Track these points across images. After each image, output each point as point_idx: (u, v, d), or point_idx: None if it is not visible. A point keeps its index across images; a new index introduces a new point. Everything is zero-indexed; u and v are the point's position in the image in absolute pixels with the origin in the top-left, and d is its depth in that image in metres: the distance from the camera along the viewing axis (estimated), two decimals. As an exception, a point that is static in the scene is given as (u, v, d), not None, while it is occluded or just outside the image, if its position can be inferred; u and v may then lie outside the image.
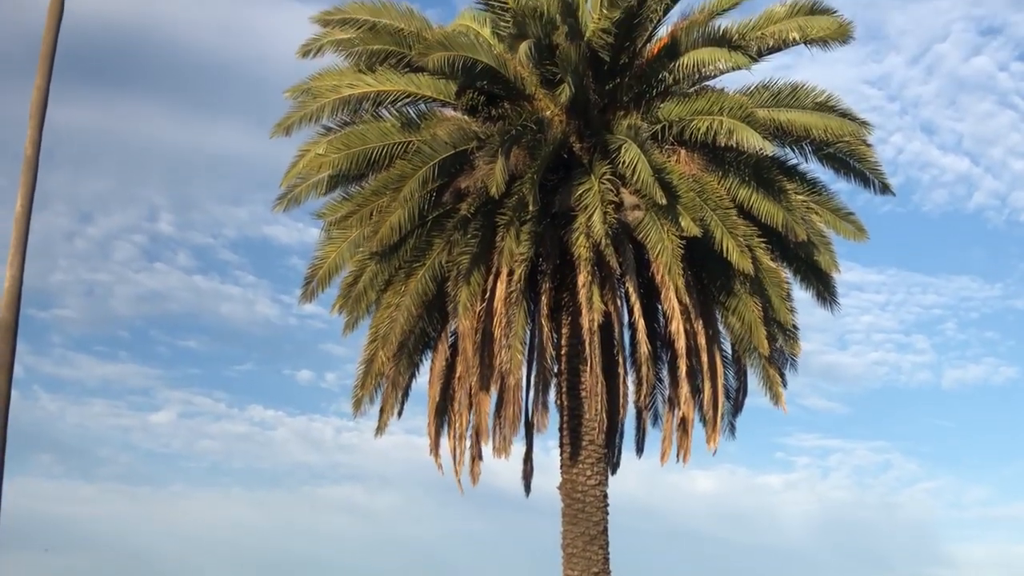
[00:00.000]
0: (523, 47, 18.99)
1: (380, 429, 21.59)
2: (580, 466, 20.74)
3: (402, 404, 21.77)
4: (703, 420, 21.25)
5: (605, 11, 19.73)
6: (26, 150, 17.61)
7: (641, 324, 19.96)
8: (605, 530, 20.83)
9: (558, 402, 21.03)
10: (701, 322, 20.40)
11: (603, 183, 19.43)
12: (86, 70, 53.57)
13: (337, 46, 21.01)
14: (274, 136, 20.88)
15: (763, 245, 20.21)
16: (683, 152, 20.37)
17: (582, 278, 19.56)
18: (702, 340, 20.38)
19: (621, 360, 20.45)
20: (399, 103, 20.78)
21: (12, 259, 16.99)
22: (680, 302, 19.60)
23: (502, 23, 20.68)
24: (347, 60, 21.10)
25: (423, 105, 20.99)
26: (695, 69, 20.16)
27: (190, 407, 56.28)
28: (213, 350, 58.83)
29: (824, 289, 22.08)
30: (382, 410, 21.46)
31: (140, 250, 59.04)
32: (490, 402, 20.58)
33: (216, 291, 60.11)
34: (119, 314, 58.33)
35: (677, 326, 19.78)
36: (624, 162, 19.25)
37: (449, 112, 21.01)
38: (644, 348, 19.94)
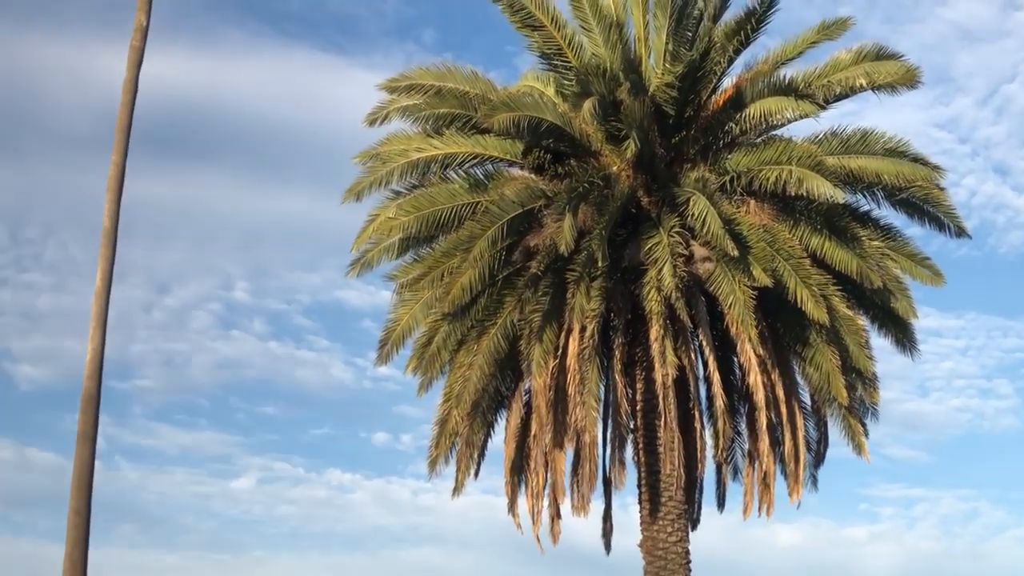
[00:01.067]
0: (587, 104, 19.08)
1: (457, 489, 21.55)
2: (660, 523, 20.49)
3: (478, 464, 21.73)
4: (784, 473, 20.93)
5: (668, 66, 19.78)
6: (104, 223, 18.02)
7: (716, 377, 19.77)
8: (688, 587, 20.53)
9: (635, 458, 20.85)
10: (778, 373, 20.18)
11: (672, 236, 19.37)
12: (161, 145, 54.76)
13: (404, 112, 21.31)
14: (345, 201, 21.17)
15: (838, 293, 19.97)
16: (752, 202, 20.26)
17: (654, 332, 19.46)
18: (780, 392, 20.14)
19: (697, 414, 20.26)
20: (466, 165, 20.97)
21: (93, 332, 17.34)
22: (756, 354, 19.41)
23: (565, 82, 20.83)
24: (414, 125, 21.38)
25: (490, 166, 21.17)
26: (762, 119, 20.10)
27: (269, 472, 56.64)
28: (290, 415, 59.28)
29: (902, 336, 21.73)
30: (458, 470, 21.43)
31: (216, 318, 59.86)
32: (566, 460, 20.49)
33: (291, 356, 60.67)
34: (198, 382, 59.07)
35: (754, 378, 19.57)
36: (693, 214, 19.20)
37: (516, 172, 21.14)
38: (720, 401, 19.73)
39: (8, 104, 58.41)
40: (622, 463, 20.37)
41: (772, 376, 20.07)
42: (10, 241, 58.14)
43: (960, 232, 21.36)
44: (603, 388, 20.58)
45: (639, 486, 20.81)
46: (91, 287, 17.87)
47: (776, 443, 20.79)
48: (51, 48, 57.45)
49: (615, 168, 20.38)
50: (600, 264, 19.14)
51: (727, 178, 20.18)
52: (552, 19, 20.77)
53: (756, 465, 20.71)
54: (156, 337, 59.54)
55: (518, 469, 21.28)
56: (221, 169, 63.68)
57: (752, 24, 19.99)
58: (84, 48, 55.25)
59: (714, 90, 20.70)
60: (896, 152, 20.63)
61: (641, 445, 20.71)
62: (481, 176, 21.01)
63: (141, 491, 54.48)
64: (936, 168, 20.81)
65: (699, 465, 20.36)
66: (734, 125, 20.34)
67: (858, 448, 21.43)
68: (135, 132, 18.79)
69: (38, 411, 55.32)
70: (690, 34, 20.19)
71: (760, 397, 19.68)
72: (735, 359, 20.79)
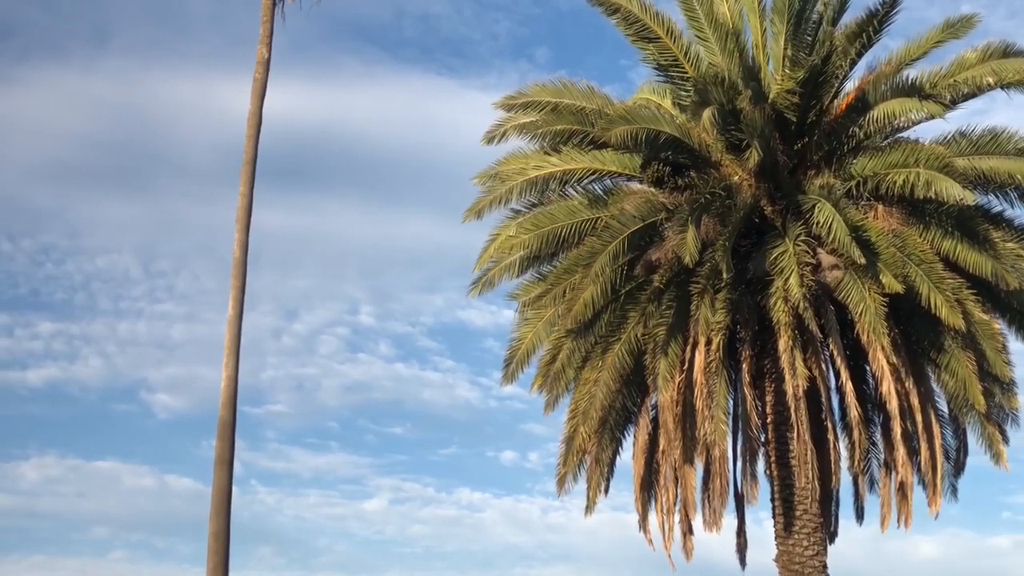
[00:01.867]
0: (706, 114, 18.87)
1: (588, 507, 21.44)
2: (795, 536, 20.10)
3: (607, 480, 21.58)
4: (922, 483, 20.38)
5: (788, 72, 19.47)
6: (234, 253, 18.39)
7: (849, 387, 19.35)
8: (827, 602, 20.10)
9: (767, 472, 20.51)
10: (912, 381, 19.67)
11: (798, 245, 19.03)
12: (285, 174, 55.83)
13: (521, 130, 21.34)
14: (465, 221, 21.26)
15: (972, 297, 19.41)
16: (880, 207, 19.82)
17: (783, 343, 19.12)
18: (915, 400, 19.63)
19: (830, 425, 19.85)
20: (585, 180, 20.91)
21: (227, 360, 17.69)
22: (888, 362, 18.96)
23: (683, 92, 20.64)
24: (531, 142, 21.40)
25: (609, 181, 21.07)
26: (886, 122, 19.65)
27: (400, 493, 57.15)
28: (418, 436, 59.78)
29: (1041, 338, 21.02)
30: (588, 488, 21.32)
31: (344, 343, 60.71)
32: (696, 475, 20.25)
33: (417, 378, 61.22)
34: (327, 406, 59.94)
35: (888, 387, 19.11)
36: (819, 222, 18.84)
37: (635, 185, 21.00)
38: (854, 412, 19.30)
39: (138, 141, 60.18)
40: (754, 477, 20.06)
41: (906, 384, 19.57)
42: (144, 274, 59.78)
43: (1099, 230, 20.61)
44: (731, 401, 20.31)
45: (772, 500, 20.45)
46: (223, 316, 18.25)
47: (913, 452, 20.25)
48: (176, 85, 59.06)
49: (737, 178, 20.11)
50: (725, 275, 18.88)
51: (853, 183, 19.77)
52: (667, 30, 20.62)
53: (893, 476, 20.21)
54: (286, 363, 60.63)
55: (648, 485, 21.08)
56: (343, 195, 64.69)
57: (873, 25, 19.55)
58: (208, 84, 56.70)
59: (836, 94, 20.30)
60: (1028, 151, 20.00)
61: (773, 458, 20.36)
62: (600, 192, 20.93)
63: (277, 514, 55.44)
64: (1072, 165, 20.10)
65: (833, 477, 19.93)
66: (858, 129, 19.93)
67: (996, 456, 20.80)
68: (261, 163, 19.18)
69: (176, 438, 56.70)
70: (809, 38, 19.86)
71: (894, 406, 19.20)
72: (867, 368, 20.34)
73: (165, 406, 56.82)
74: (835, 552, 20.69)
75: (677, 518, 20.47)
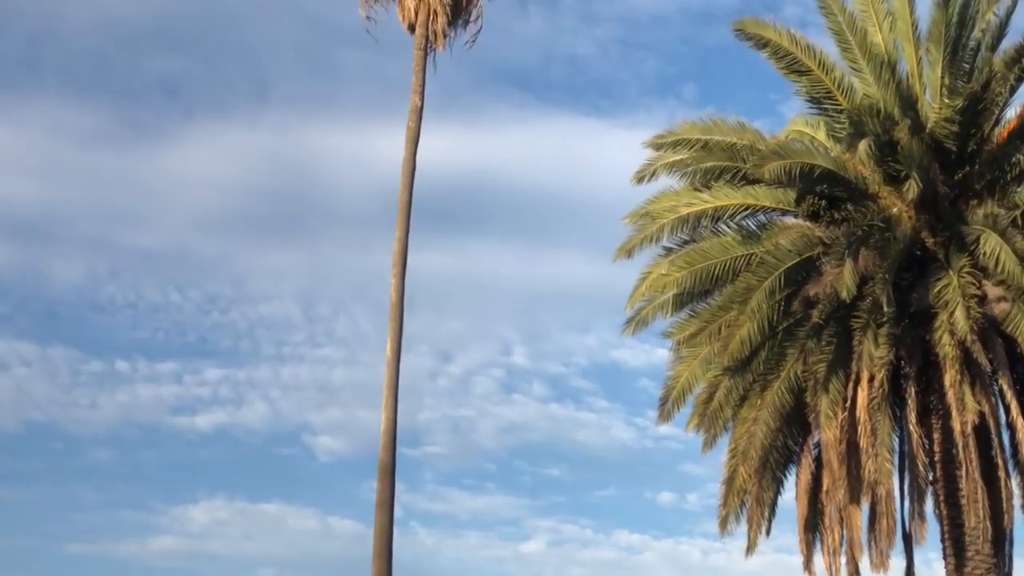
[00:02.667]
0: (862, 146, 18.54)
1: (749, 549, 21.05)
2: (967, 578, 19.41)
3: (769, 521, 21.18)
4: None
5: (946, 100, 19.03)
6: (391, 297, 18.73)
7: (1020, 423, 18.69)
8: (1003, 647, 19.35)
9: (936, 511, 19.86)
10: (1089, 416, 18.87)
11: (963, 277, 18.50)
12: (438, 218, 56.72)
13: (671, 168, 21.27)
14: (616, 259, 21.22)
15: None
16: (1048, 236, 19.15)
17: (949, 378, 18.57)
18: (1092, 436, 18.82)
19: (1001, 462, 19.16)
20: (738, 216, 20.71)
21: (386, 402, 17.99)
22: (1062, 396, 18.25)
23: (837, 125, 20.33)
24: (682, 180, 21.30)
25: (762, 216, 20.84)
26: (1052, 149, 19.03)
27: (558, 535, 57.07)
28: (575, 477, 59.68)
29: None
30: (749, 529, 20.94)
31: (498, 384, 61.13)
32: (862, 515, 19.70)
33: (572, 418, 61.22)
34: (484, 447, 60.36)
35: (1061, 422, 18.39)
36: (984, 253, 18.30)
37: (790, 220, 20.72)
38: (1027, 448, 18.61)
39: (297, 190, 61.90)
40: (922, 517, 19.44)
41: (1082, 419, 18.79)
42: (304, 319, 61.25)
43: None
44: (897, 439, 19.75)
45: (942, 540, 19.80)
46: (381, 359, 18.58)
47: (1091, 491, 19.42)
48: (333, 135, 60.60)
49: (895, 209, 19.68)
50: (886, 309, 18.45)
51: (1018, 212, 19.15)
52: (819, 62, 20.36)
53: (1070, 515, 19.39)
54: (442, 404, 61.28)
55: (812, 526, 20.61)
56: (495, 237, 65.37)
57: (1034, 50, 18.98)
58: (363, 132, 57.96)
59: (997, 122, 19.74)
60: None
61: (942, 497, 19.72)
62: (754, 227, 20.69)
63: (437, 555, 55.89)
64: None
65: (1006, 516, 19.22)
66: (1022, 157, 19.32)
67: None
68: (415, 208, 19.56)
69: (338, 480, 57.78)
70: (967, 66, 19.39)
71: (1069, 442, 18.46)
72: (1040, 402, 19.59)
73: (327, 449, 57.96)
74: (1011, 594, 19.91)
75: (843, 559, 19.94)
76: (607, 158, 57.44)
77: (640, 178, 21.53)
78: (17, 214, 58.45)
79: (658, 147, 21.47)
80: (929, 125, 19.21)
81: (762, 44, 20.70)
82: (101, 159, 60.73)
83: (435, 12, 23.59)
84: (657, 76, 66.73)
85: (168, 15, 62.36)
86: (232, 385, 57.49)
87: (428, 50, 23.38)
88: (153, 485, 54.65)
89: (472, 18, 24.36)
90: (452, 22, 24.09)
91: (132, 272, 59.37)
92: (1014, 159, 19.46)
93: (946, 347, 18.47)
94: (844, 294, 18.17)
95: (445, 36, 23.86)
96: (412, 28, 23.89)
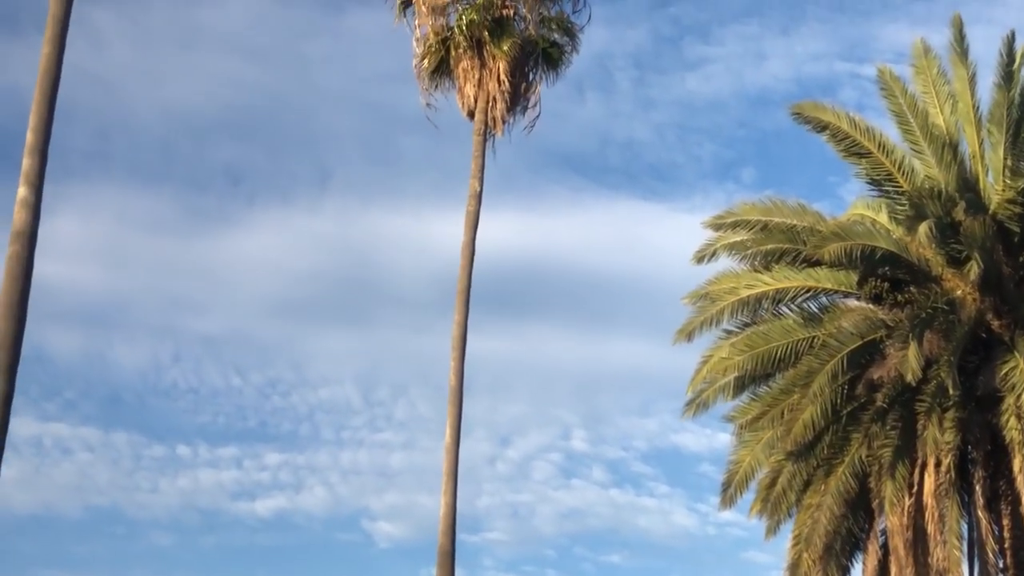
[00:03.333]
0: (923, 228, 18.42)
1: (815, 638, 20.58)
2: (1042, 670, 18.83)
3: (836, 609, 20.71)
4: None
5: (1009, 182, 18.90)
6: (450, 381, 18.76)
7: (1093, 509, 18.22)
8: None
9: (1009, 600, 19.36)
10: None
11: (1030, 360, 18.20)
12: (497, 302, 56.89)
13: (730, 249, 21.22)
14: (676, 343, 21.09)
15: None
16: (1117, 318, 18.84)
17: (1017, 463, 18.23)
18: None
19: (1075, 550, 18.67)
20: (799, 299, 20.57)
21: (446, 487, 17.92)
22: None
23: (898, 207, 20.23)
24: (742, 261, 21.23)
25: (824, 298, 20.68)
26: (1118, 230, 18.78)
27: (620, 623, 56.13)
28: (636, 564, 58.85)
29: None
30: (816, 616, 20.49)
31: (557, 468, 60.70)
32: (931, 603, 19.23)
33: (632, 504, 60.53)
34: (543, 533, 59.79)
35: None
36: (1051, 335, 18.02)
37: (852, 303, 20.55)
38: (1101, 536, 18.13)
39: (358, 275, 62.48)
40: (994, 605, 18.94)
41: None
42: (364, 403, 61.40)
43: None
44: (965, 525, 19.33)
45: (1015, 630, 19.26)
46: (440, 443, 18.54)
47: None
48: (393, 220, 61.26)
49: (959, 292, 19.47)
50: (952, 393, 18.18)
51: (1085, 294, 18.89)
52: (879, 144, 20.33)
53: None
54: (501, 489, 60.85)
55: (880, 614, 20.15)
56: (554, 321, 65.39)
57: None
58: (423, 217, 58.52)
59: (1061, 201, 19.52)
60: None
61: (1014, 586, 19.23)
62: (815, 309, 20.54)
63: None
64: None
65: (1081, 605, 18.68)
66: (1088, 237, 19.09)
67: None
68: (474, 292, 19.65)
69: (397, 566, 57.39)
70: (1030, 147, 19.26)
71: None
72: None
73: (386, 534, 57.70)
74: None
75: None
76: (665, 241, 57.50)
77: (700, 258, 21.49)
78: (84, 301, 59.41)
79: (717, 228, 21.45)
80: (991, 207, 19.06)
81: (821, 127, 20.72)
82: (166, 246, 61.78)
83: (494, 99, 23.90)
84: (715, 160, 66.88)
85: (233, 105, 63.68)
86: (292, 470, 57.59)
87: (487, 136, 23.66)
88: (213, 570, 54.65)
89: (530, 104, 24.66)
90: (511, 108, 24.39)
91: (194, 357, 59.95)
92: (1080, 240, 19.22)
93: (1013, 431, 18.15)
94: (909, 377, 17.93)
95: (504, 122, 24.14)
96: (471, 114, 24.22)
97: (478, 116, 24.10)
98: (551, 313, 65.42)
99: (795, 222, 20.76)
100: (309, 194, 65.13)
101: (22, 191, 13.01)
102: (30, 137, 13.27)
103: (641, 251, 62.70)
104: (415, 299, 61.52)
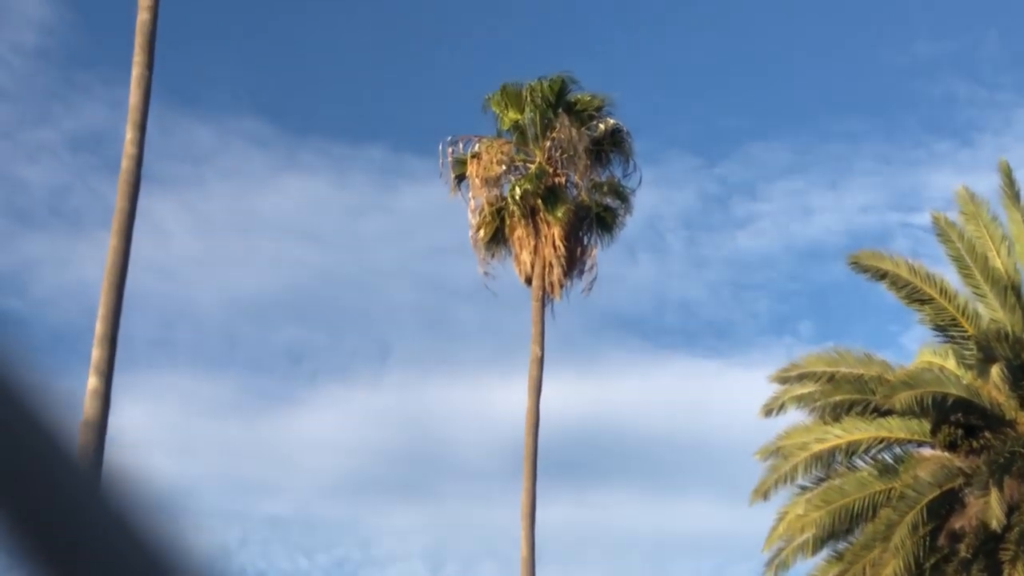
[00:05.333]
0: (995, 371, 18.16)
1: None
2: None
3: None
4: None
5: (1077, 319, 18.63)
6: (521, 551, 18.47)
7: None
8: None
9: None
10: None
11: (1117, 501, 17.63)
12: (562, 468, 56.42)
13: (798, 401, 21.00)
14: (752, 503, 20.77)
15: None
16: None
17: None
18: None
19: None
20: (872, 450, 20.22)
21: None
22: None
23: (965, 351, 19.96)
24: (810, 414, 20.98)
25: (897, 448, 20.30)
26: None
27: None
28: None
29: None
30: None
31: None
32: None
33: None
34: None
35: None
36: None
37: (927, 451, 20.13)
38: None
39: (421, 448, 62.35)
40: None
41: None
42: (432, 580, 60.54)
43: None
44: None
45: None
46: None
47: None
48: (454, 390, 61.40)
49: (1036, 434, 19.04)
50: (1038, 540, 17.60)
51: None
52: (941, 290, 20.20)
53: None
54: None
55: None
56: (622, 485, 64.59)
57: None
58: (483, 386, 58.71)
59: None
60: None
61: None
62: (890, 460, 20.14)
63: None
64: None
65: None
66: None
67: None
68: (539, 458, 19.49)
69: None
70: (1094, 284, 19.05)
71: None
72: None
73: None
74: None
75: None
76: (728, 398, 57.02)
77: (768, 413, 21.28)
78: (154, 489, 59.61)
79: (783, 381, 21.28)
80: (1062, 347, 18.76)
81: (880, 275, 20.66)
82: (231, 429, 62.25)
83: (550, 264, 24.15)
84: (771, 315, 66.72)
85: (291, 286, 64.84)
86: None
87: (545, 301, 23.82)
88: None
89: (587, 267, 24.89)
90: (567, 272, 24.61)
91: (262, 539, 59.70)
92: None
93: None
94: (994, 524, 17.44)
95: (561, 286, 24.35)
96: (529, 280, 24.46)
97: (535, 282, 24.32)
98: (618, 477, 64.67)
99: (862, 372, 20.55)
100: (370, 369, 65.57)
101: (92, 381, 13.20)
102: (99, 327, 13.53)
103: (704, 410, 62.16)
104: (480, 469, 61.15)
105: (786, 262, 66.47)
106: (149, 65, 15.28)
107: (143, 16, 15.38)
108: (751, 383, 21.77)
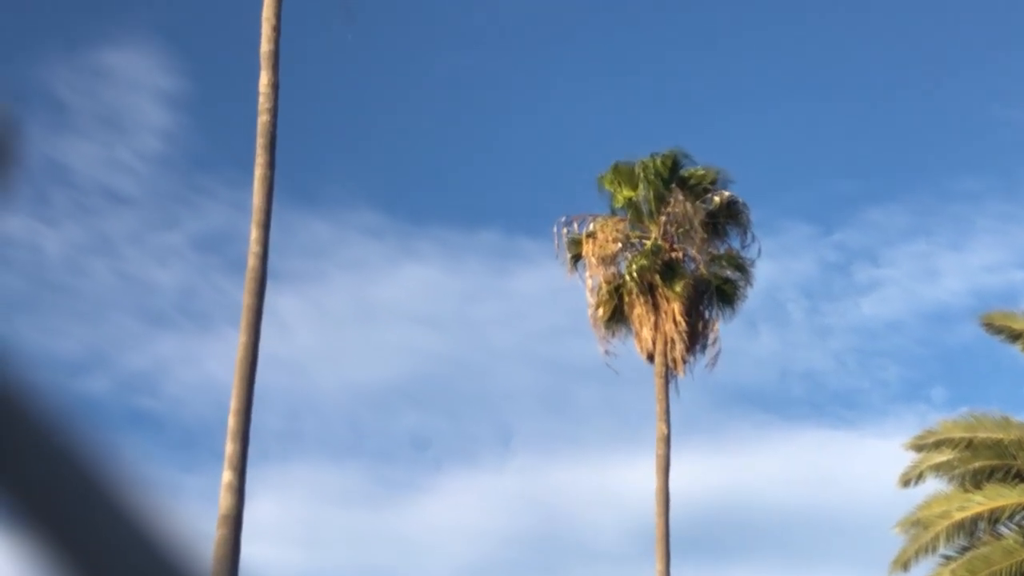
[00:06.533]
0: None
1: None
2: None
3: None
4: None
5: None
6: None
7: None
8: None
9: None
10: None
11: None
12: (694, 548, 55.47)
13: (936, 470, 20.45)
14: (893, 574, 20.14)
15: None
16: None
17: None
18: None
19: None
20: (1016, 516, 19.52)
21: None
22: None
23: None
24: (950, 482, 20.36)
25: (1043, 513, 19.55)
26: None
27: None
28: None
29: None
30: None
31: None
32: None
33: None
34: None
35: None
36: None
37: (1076, 515, 19.35)
38: None
39: (548, 531, 61.90)
40: None
41: None
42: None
43: None
44: None
45: None
46: None
47: None
48: (578, 471, 61.02)
49: None
50: None
51: None
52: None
53: None
54: None
55: None
56: (755, 563, 63.18)
57: None
58: (608, 465, 58.23)
59: None
60: None
61: None
62: (1036, 526, 19.40)
63: None
64: None
65: None
66: None
67: None
68: (671, 538, 19.20)
69: None
70: None
71: None
72: None
73: None
74: None
75: None
76: (861, 469, 55.68)
77: (906, 482, 20.74)
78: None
79: (920, 449, 20.74)
80: None
81: (1013, 336, 20.10)
82: (359, 518, 62.67)
83: (672, 340, 23.98)
84: (901, 382, 65.13)
85: (412, 373, 65.44)
86: None
87: (668, 377, 23.62)
88: None
89: (709, 341, 24.65)
90: (690, 347, 24.40)
91: (393, 628, 59.66)
92: None
93: None
94: None
95: (684, 362, 24.13)
96: (651, 357, 24.29)
97: (658, 359, 24.15)
98: (751, 555, 63.29)
99: (1001, 436, 19.93)
100: (493, 453, 65.60)
101: (226, 475, 13.42)
102: (232, 422, 13.78)
103: (837, 481, 60.71)
104: (610, 551, 60.38)
105: (913, 327, 64.97)
106: (271, 165, 15.70)
107: (263, 118, 15.83)
108: (884, 452, 21.24)
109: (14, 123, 0.69)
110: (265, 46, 16.09)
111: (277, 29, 16.23)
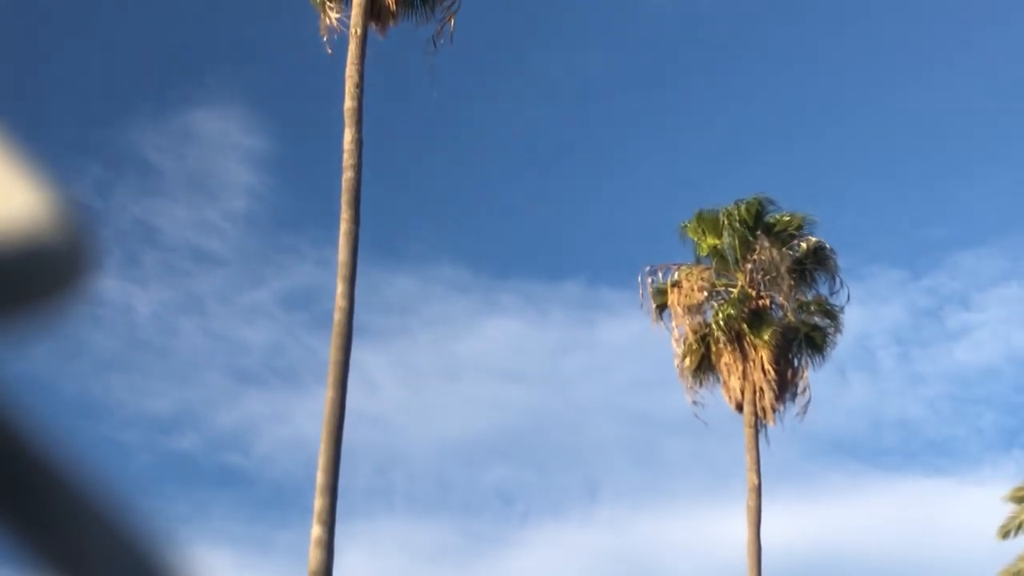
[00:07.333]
0: None
1: None
2: None
3: None
4: None
5: None
6: None
7: None
8: None
9: None
10: None
11: None
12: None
13: (1038, 520, 19.79)
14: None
15: None
16: None
17: None
18: None
19: None
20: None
21: None
22: None
23: None
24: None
25: None
26: None
27: None
28: None
29: None
30: None
31: None
32: None
33: None
34: None
35: None
36: None
37: None
38: None
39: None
40: None
41: None
42: None
43: None
44: None
45: None
46: None
47: None
48: (666, 524, 60.36)
49: None
50: None
51: None
52: None
53: None
54: None
55: None
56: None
57: None
58: (697, 517, 57.53)
59: None
60: None
61: None
62: None
63: None
64: None
65: None
66: None
67: None
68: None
69: None
70: None
71: None
72: None
73: None
74: None
75: None
76: (958, 519, 54.33)
77: (1005, 534, 20.12)
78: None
79: (1018, 500, 20.13)
80: None
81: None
82: (447, 573, 62.51)
83: (761, 389, 23.62)
84: (998, 429, 63.58)
85: (499, 427, 65.47)
86: None
87: (758, 427, 23.26)
88: None
89: (799, 390, 24.24)
90: (779, 396, 24.01)
91: None
92: None
93: None
94: None
95: (774, 411, 23.74)
96: (740, 407, 23.94)
97: (747, 408, 23.79)
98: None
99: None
100: (580, 507, 65.12)
101: (316, 531, 13.42)
102: (320, 478, 13.80)
103: (933, 532, 59.27)
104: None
105: (1009, 372, 63.47)
106: (355, 220, 15.83)
107: (347, 174, 16.00)
108: (981, 502, 20.62)
109: (86, 227, 0.64)
110: (348, 103, 16.29)
111: (360, 86, 16.42)
